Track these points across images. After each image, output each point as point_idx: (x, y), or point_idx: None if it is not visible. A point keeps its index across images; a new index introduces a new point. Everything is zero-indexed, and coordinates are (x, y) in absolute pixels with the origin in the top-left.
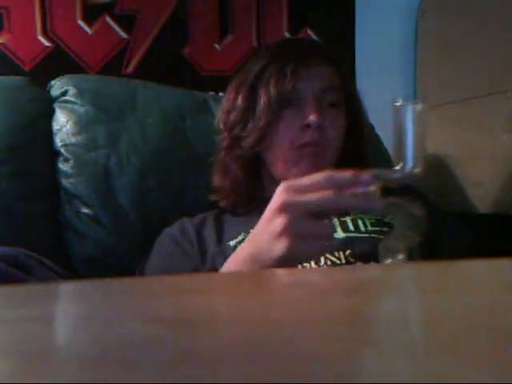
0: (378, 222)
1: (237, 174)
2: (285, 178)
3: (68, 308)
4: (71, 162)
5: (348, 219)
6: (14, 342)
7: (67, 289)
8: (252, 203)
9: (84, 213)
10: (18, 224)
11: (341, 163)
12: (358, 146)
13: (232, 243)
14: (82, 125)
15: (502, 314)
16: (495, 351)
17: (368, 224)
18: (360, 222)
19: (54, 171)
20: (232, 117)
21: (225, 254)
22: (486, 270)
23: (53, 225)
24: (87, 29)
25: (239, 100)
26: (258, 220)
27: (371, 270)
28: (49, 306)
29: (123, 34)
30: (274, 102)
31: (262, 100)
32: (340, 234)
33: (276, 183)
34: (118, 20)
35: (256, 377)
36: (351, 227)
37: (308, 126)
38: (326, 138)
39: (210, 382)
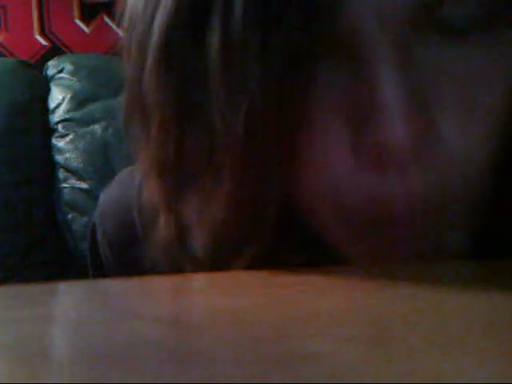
0: None
1: None
2: None
3: (68, 308)
4: (67, 137)
5: None
6: (13, 342)
7: (67, 289)
8: None
9: (80, 188)
10: (16, 208)
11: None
12: None
13: None
14: (79, 100)
15: (504, 313)
16: (495, 351)
17: None
18: None
19: (51, 151)
20: None
21: None
22: (486, 270)
23: (50, 206)
24: (85, 28)
25: None
26: None
27: (372, 268)
28: (49, 306)
29: (121, 34)
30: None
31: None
32: None
33: None
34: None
35: (256, 377)
36: None
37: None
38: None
39: (210, 381)
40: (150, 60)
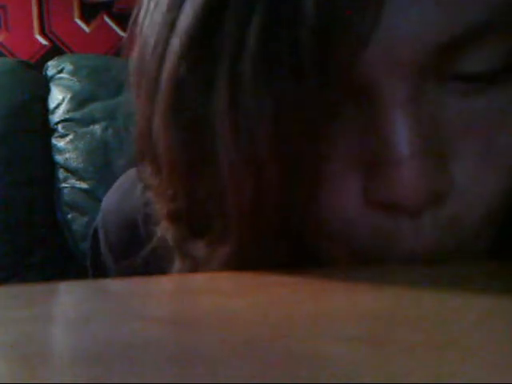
0: None
1: None
2: None
3: (68, 308)
4: (67, 137)
5: None
6: (13, 342)
7: (67, 289)
8: None
9: (80, 188)
10: (16, 208)
11: None
12: None
13: None
14: (79, 101)
15: (504, 313)
16: (496, 351)
17: None
18: None
19: (51, 151)
20: None
21: None
22: (486, 270)
23: (50, 206)
24: (85, 27)
25: None
26: None
27: (372, 269)
28: (49, 306)
29: (121, 33)
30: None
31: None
32: None
33: None
34: (116, 19)
35: (256, 377)
36: None
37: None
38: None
39: (210, 381)
40: (158, 107)
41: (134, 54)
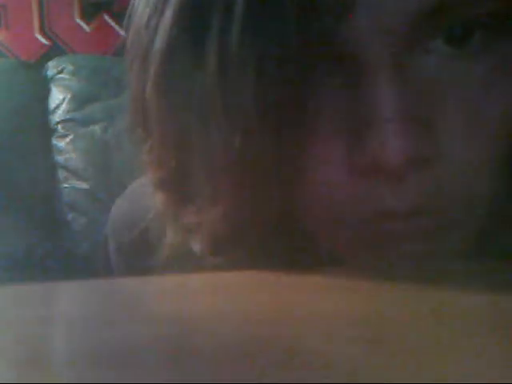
0: None
1: None
2: None
3: (68, 308)
4: (67, 137)
5: None
6: (14, 342)
7: (67, 289)
8: None
9: (80, 188)
10: (16, 208)
11: None
12: None
13: None
14: (79, 101)
15: (504, 313)
16: (496, 351)
17: None
18: None
19: (51, 151)
20: None
21: None
22: (486, 270)
23: (50, 206)
24: (85, 27)
25: None
26: None
27: (372, 269)
28: (49, 306)
29: (122, 33)
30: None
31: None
32: None
33: None
34: (117, 18)
35: (256, 377)
36: None
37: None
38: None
39: (210, 381)
40: (150, 74)
41: (130, 30)
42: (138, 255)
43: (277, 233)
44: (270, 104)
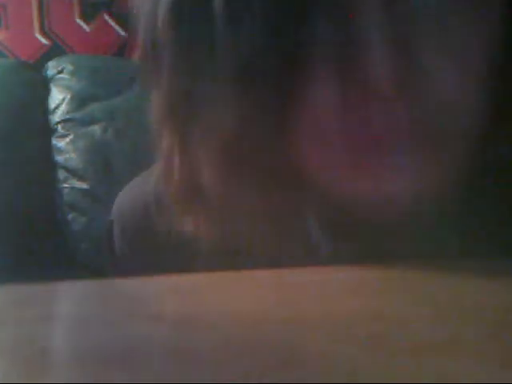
0: None
1: None
2: None
3: (68, 308)
4: (67, 137)
5: None
6: (14, 342)
7: (67, 289)
8: None
9: (80, 188)
10: (16, 208)
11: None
12: None
13: None
14: (79, 101)
15: (504, 313)
16: (496, 351)
17: None
18: None
19: (51, 151)
20: None
21: None
22: (486, 270)
23: (50, 206)
24: (85, 27)
25: None
26: None
27: (372, 270)
28: (49, 306)
29: (121, 32)
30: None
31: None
32: None
33: None
34: (117, 18)
35: (256, 377)
36: None
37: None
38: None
39: (210, 381)
40: (162, 10)
41: None
42: (142, 236)
43: (273, 169)
44: (272, 39)
